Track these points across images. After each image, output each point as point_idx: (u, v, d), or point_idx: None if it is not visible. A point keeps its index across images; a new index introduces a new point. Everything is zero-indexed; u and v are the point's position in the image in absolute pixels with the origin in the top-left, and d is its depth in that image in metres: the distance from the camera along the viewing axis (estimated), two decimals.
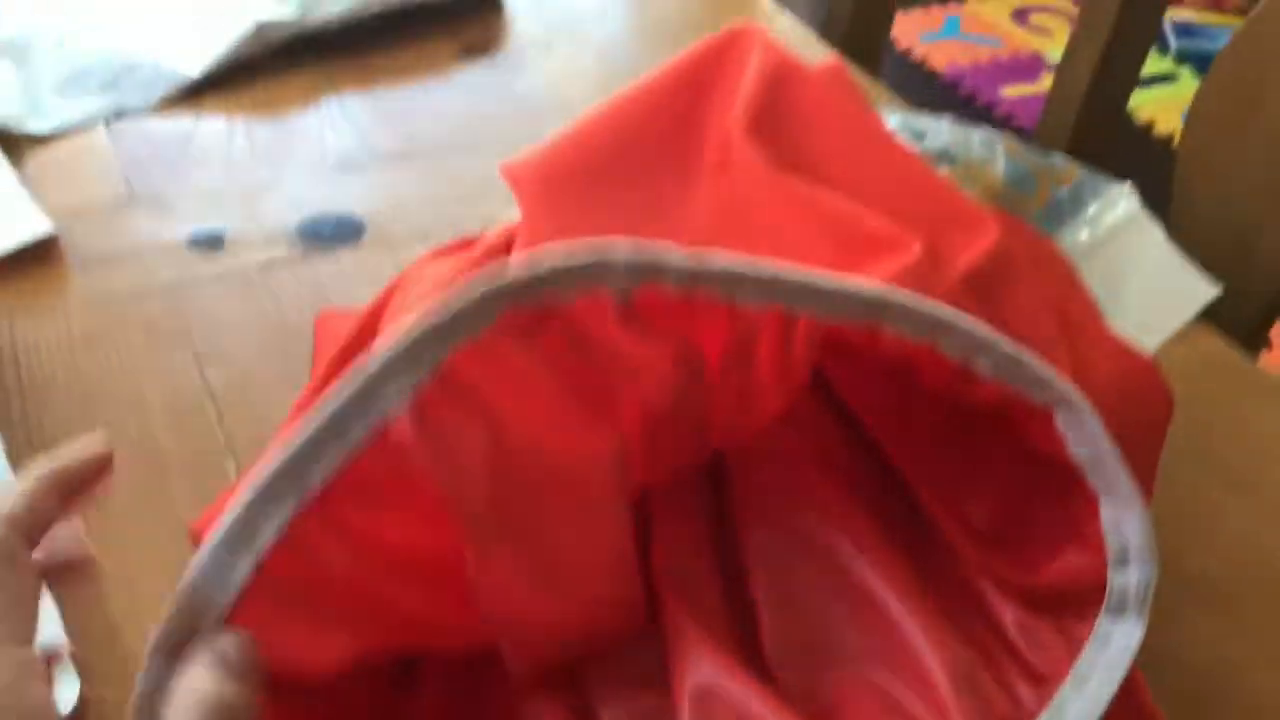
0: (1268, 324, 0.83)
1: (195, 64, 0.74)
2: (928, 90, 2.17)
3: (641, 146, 0.41)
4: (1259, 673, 0.44)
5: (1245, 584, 0.47)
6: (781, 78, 0.42)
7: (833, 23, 1.05)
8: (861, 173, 0.40)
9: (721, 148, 0.40)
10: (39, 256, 0.59)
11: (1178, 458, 0.52)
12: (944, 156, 0.57)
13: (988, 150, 0.58)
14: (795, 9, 0.92)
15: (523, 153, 0.40)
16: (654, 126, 0.41)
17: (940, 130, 0.60)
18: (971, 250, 0.38)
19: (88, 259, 0.60)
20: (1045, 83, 2.18)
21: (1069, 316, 0.44)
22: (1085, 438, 0.35)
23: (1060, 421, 0.35)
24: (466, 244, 0.47)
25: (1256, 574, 0.48)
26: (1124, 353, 0.45)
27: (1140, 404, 0.44)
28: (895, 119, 0.62)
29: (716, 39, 0.43)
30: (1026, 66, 2.25)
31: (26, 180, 0.64)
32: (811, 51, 0.83)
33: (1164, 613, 0.45)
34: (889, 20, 1.10)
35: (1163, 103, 2.13)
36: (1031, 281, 0.41)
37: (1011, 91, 2.16)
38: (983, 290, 0.37)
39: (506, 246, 0.42)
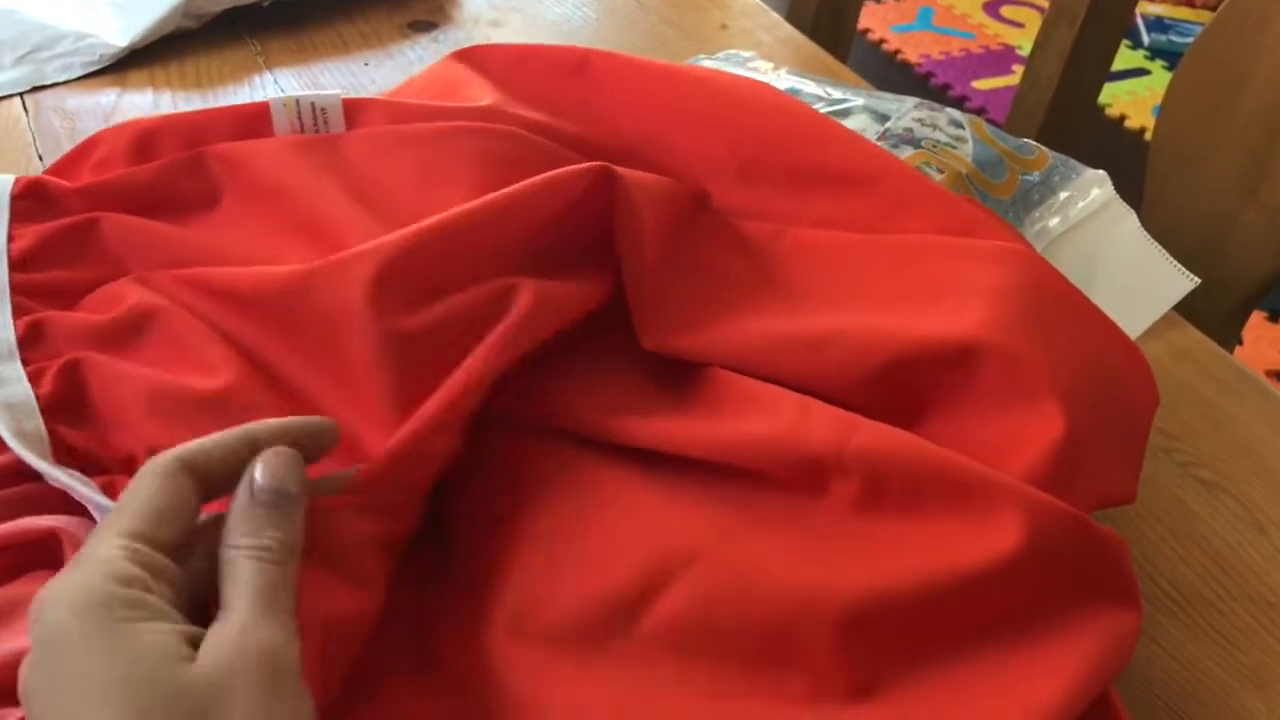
0: (1241, 318, 0.80)
1: (121, 34, 0.70)
2: (900, 82, 2.14)
3: None
4: (1244, 693, 0.40)
5: (1222, 594, 0.44)
6: None
7: (798, 6, 1.02)
8: None
9: None
10: None
11: (1150, 455, 0.49)
12: (908, 139, 0.54)
13: (956, 133, 0.55)
14: None
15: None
16: None
17: (905, 112, 0.57)
18: None
19: None
20: (1017, 76, 2.15)
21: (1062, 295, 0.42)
22: None
23: None
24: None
25: (1233, 583, 0.45)
26: (1120, 338, 0.43)
27: (1131, 393, 0.42)
28: (860, 99, 0.58)
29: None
30: (998, 59, 2.22)
31: None
32: (769, 33, 0.80)
33: (1142, 627, 0.43)
34: (858, 6, 1.07)
35: (1135, 97, 2.11)
36: None
37: (983, 84, 2.14)
38: None
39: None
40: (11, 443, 0.38)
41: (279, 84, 0.69)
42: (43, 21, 0.71)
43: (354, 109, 0.48)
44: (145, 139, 0.48)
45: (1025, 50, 2.26)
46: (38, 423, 0.40)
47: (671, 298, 0.43)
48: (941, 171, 0.52)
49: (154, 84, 0.68)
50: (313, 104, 0.47)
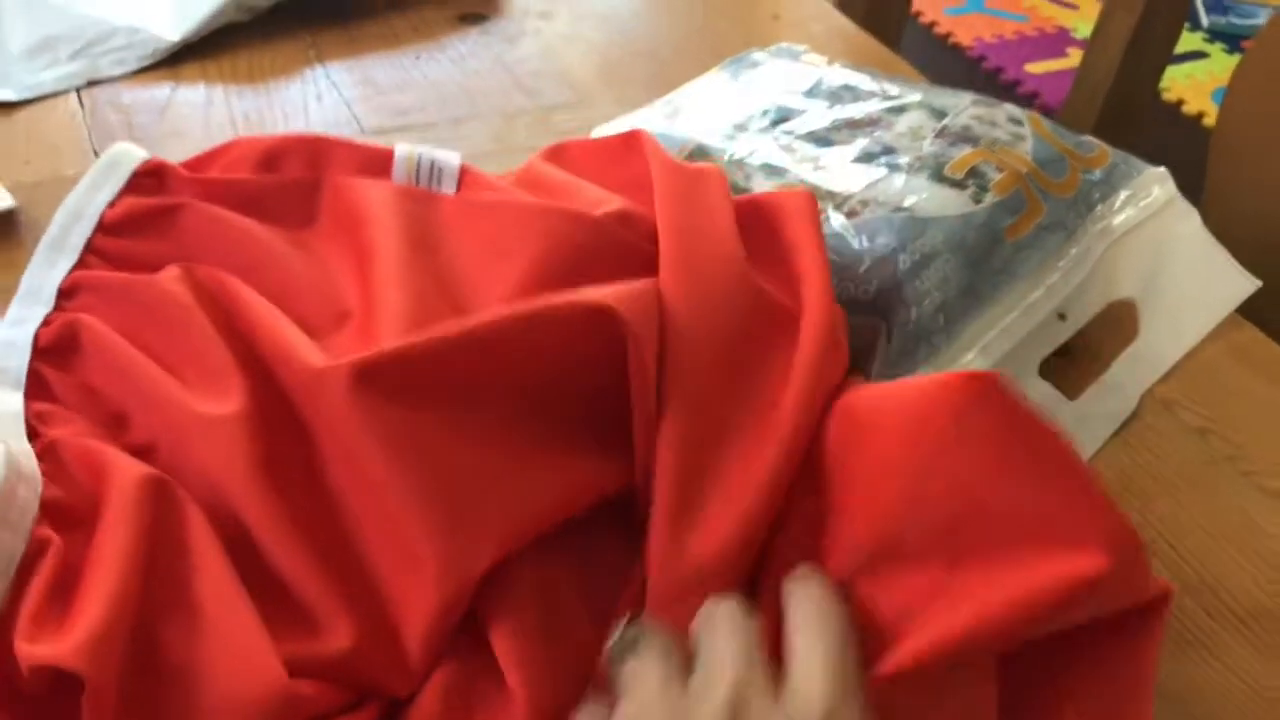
0: None
1: (174, 28, 0.70)
2: (951, 65, 2.11)
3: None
4: None
5: None
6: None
7: None
8: None
9: None
10: None
11: (1214, 464, 0.48)
12: (966, 137, 0.53)
13: (1015, 130, 0.54)
14: None
15: None
16: None
17: (962, 109, 0.56)
18: None
19: None
20: (1072, 59, 2.11)
21: None
22: None
23: None
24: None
25: None
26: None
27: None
28: (916, 95, 0.57)
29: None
30: (1052, 42, 2.19)
31: None
32: (821, 23, 0.79)
33: (1201, 642, 0.42)
34: None
35: (1193, 80, 2.07)
36: None
37: (1037, 68, 2.10)
38: None
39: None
40: None
41: (330, 77, 0.69)
42: (97, 16, 0.71)
43: (468, 176, 0.50)
44: (273, 153, 0.50)
45: (1080, 33, 2.23)
46: (21, 362, 0.42)
47: None
48: (1001, 170, 0.51)
49: (207, 77, 0.69)
50: (433, 161, 0.50)
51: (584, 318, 0.37)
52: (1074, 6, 2.29)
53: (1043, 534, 0.33)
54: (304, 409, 0.38)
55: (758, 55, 0.64)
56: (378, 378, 0.36)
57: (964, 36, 2.18)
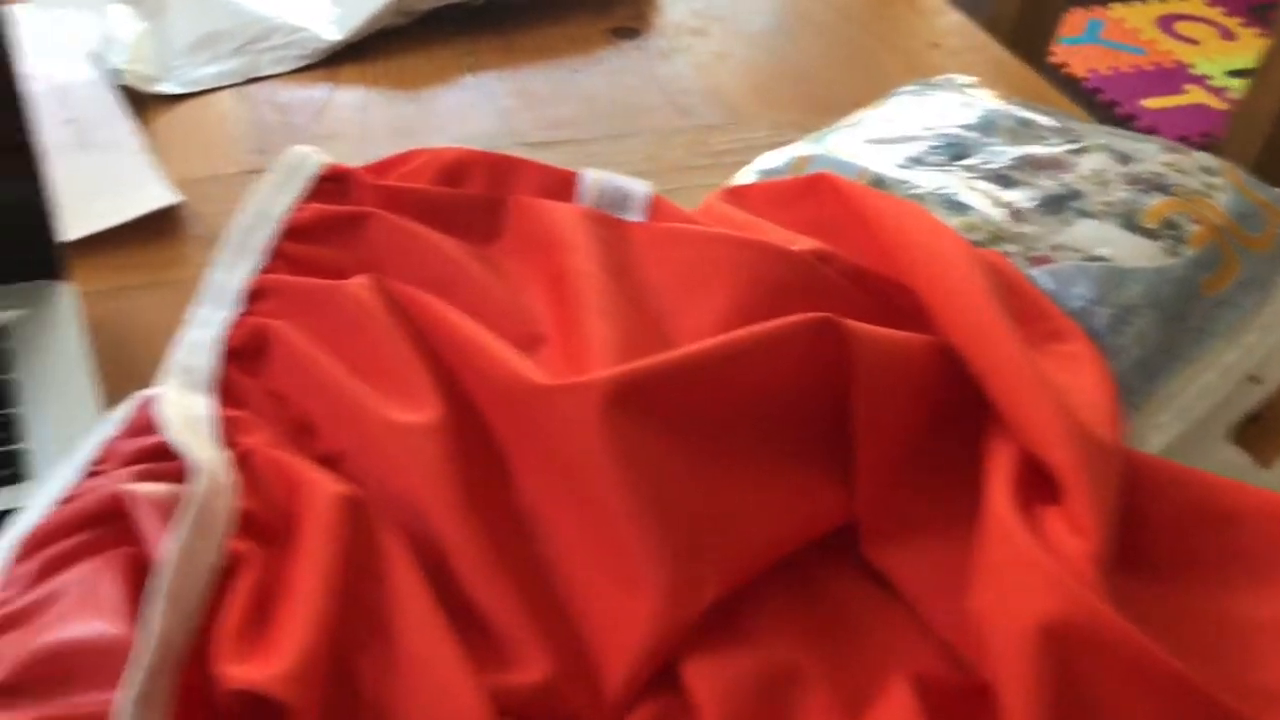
0: None
1: (334, 29, 0.70)
2: (1067, 96, 2.07)
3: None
4: None
5: None
6: None
7: (998, 21, 0.99)
8: None
9: None
10: (161, 227, 0.56)
11: None
12: (1157, 185, 0.51)
13: (1209, 180, 0.52)
14: (959, 3, 0.86)
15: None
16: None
17: (1150, 154, 0.54)
18: None
19: (212, 231, 0.56)
20: (1190, 95, 2.06)
21: None
22: None
23: None
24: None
25: None
26: None
27: None
28: (1100, 138, 0.55)
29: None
30: (1170, 77, 2.13)
31: (153, 142, 0.61)
32: (979, 54, 0.77)
33: None
34: (1055, 20, 1.03)
35: None
36: None
37: (1153, 103, 2.05)
38: None
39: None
40: (168, 383, 0.40)
41: (486, 86, 0.69)
42: (259, 13, 0.72)
43: (658, 207, 0.49)
44: (457, 166, 0.49)
45: (1199, 69, 2.17)
46: (209, 364, 0.41)
47: (900, 498, 0.39)
48: (1198, 223, 0.49)
49: (365, 80, 0.68)
50: (620, 187, 0.49)
51: (814, 333, 0.37)
52: (1194, 42, 2.23)
53: None
54: (503, 424, 0.37)
55: (927, 86, 0.62)
56: (630, 397, 0.35)
57: (1079, 68, 2.14)
